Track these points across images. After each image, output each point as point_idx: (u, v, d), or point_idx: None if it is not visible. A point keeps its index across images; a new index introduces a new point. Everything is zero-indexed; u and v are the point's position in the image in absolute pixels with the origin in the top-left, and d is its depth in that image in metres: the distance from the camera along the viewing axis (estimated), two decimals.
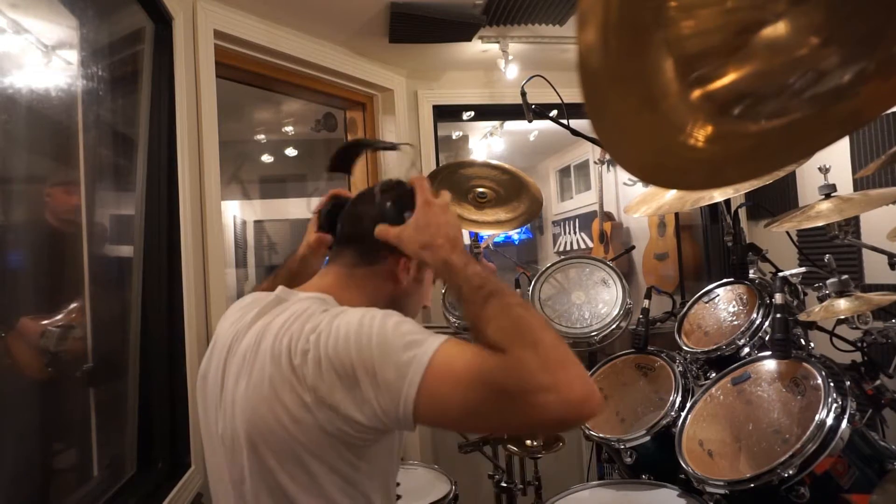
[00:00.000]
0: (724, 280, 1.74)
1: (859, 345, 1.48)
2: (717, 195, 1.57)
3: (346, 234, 0.99)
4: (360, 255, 0.95)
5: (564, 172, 5.34)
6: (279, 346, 0.78)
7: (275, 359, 0.78)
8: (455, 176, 2.23)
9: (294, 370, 0.76)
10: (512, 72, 2.45)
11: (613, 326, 1.89)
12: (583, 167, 4.96)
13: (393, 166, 2.61)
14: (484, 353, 0.73)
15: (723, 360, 1.51)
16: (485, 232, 2.41)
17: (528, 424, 0.70)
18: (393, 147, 1.11)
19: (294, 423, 0.75)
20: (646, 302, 1.80)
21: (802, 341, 1.44)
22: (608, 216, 4.33)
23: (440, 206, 0.90)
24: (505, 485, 1.92)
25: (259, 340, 0.82)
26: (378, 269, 0.94)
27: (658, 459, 1.46)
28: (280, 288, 0.92)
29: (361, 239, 0.95)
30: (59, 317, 1.21)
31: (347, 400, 0.73)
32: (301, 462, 0.77)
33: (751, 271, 1.64)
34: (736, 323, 1.59)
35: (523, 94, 1.92)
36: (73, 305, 1.27)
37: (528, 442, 1.84)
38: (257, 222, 5.06)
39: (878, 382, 1.41)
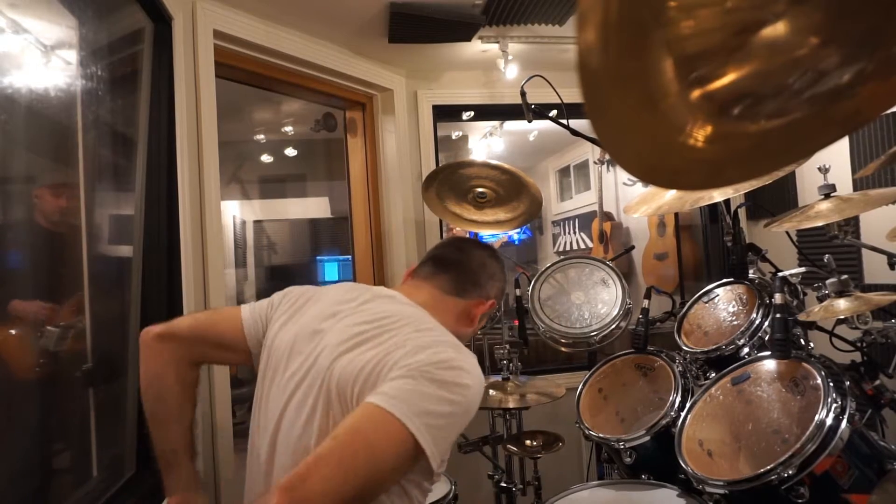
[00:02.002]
0: (724, 280, 1.74)
1: (859, 345, 1.48)
2: (717, 195, 1.57)
3: (452, 259, 1.09)
4: (457, 285, 1.05)
5: (564, 172, 5.34)
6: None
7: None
8: (455, 176, 2.23)
9: None
10: (512, 72, 2.45)
11: (613, 326, 1.89)
12: (583, 167, 4.96)
13: (392, 166, 2.61)
14: None
15: (722, 360, 1.51)
16: (485, 232, 2.42)
17: None
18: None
19: None
20: (645, 302, 1.80)
21: (802, 341, 1.44)
22: (608, 216, 4.33)
23: None
24: (505, 485, 1.92)
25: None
26: (464, 304, 1.04)
27: (658, 459, 1.46)
28: (392, 292, 1.03)
29: (464, 270, 1.06)
30: (58, 316, 1.21)
31: None
32: None
33: (750, 271, 1.64)
34: (736, 323, 1.59)
35: (523, 94, 1.92)
36: (71, 305, 1.27)
37: (528, 442, 1.84)
38: (257, 222, 5.06)
39: (877, 382, 1.41)
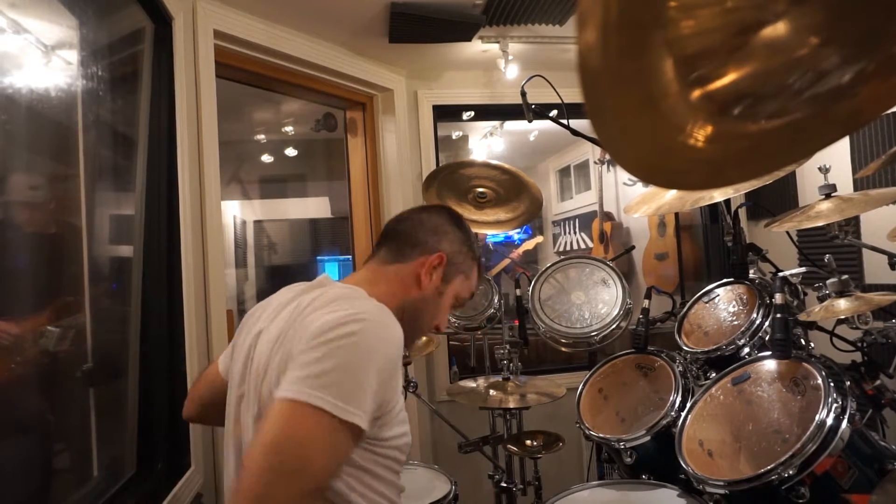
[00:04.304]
0: (724, 280, 1.74)
1: (859, 345, 1.48)
2: (717, 195, 1.57)
3: (389, 230, 1.10)
4: (395, 251, 1.05)
5: (564, 172, 5.34)
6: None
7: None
8: (455, 176, 2.23)
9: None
10: (512, 72, 2.45)
11: (613, 326, 1.89)
12: (583, 167, 4.96)
13: (392, 166, 2.61)
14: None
15: (723, 360, 1.51)
16: (484, 231, 2.42)
17: None
18: None
19: None
20: (646, 302, 1.80)
21: (802, 341, 1.44)
22: (608, 216, 4.33)
23: None
24: (505, 485, 1.92)
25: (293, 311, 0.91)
26: (406, 268, 1.03)
27: (658, 459, 1.46)
28: (324, 276, 1.02)
29: (400, 235, 1.07)
30: (58, 317, 1.21)
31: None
32: None
33: (751, 271, 1.64)
34: (736, 323, 1.59)
35: (523, 94, 1.92)
36: (71, 305, 1.27)
37: (528, 442, 1.84)
38: (257, 222, 5.06)
39: (878, 382, 1.41)
